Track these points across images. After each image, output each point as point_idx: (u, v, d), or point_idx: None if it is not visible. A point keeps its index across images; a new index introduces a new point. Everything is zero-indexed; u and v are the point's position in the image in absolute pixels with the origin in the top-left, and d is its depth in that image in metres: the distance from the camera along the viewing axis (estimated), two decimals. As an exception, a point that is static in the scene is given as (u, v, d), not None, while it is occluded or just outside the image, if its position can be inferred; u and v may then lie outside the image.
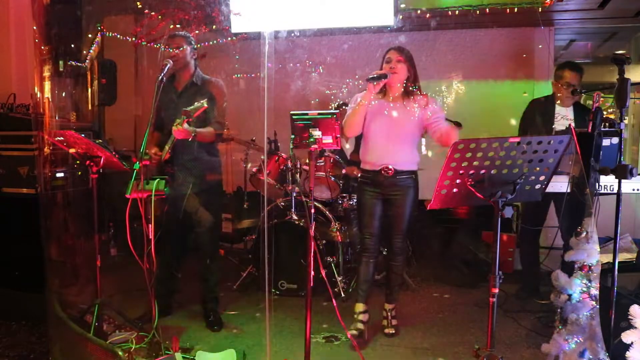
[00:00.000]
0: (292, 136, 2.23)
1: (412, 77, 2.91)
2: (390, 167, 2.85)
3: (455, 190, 1.90)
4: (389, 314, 3.05)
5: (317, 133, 2.19)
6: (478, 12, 3.74)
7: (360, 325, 3.00)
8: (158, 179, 2.73)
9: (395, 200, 2.91)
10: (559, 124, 3.43)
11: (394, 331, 3.00)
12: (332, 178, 3.71)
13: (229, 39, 4.39)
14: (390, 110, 2.89)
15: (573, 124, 3.37)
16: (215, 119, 3.04)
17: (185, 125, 2.68)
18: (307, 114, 2.20)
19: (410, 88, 2.91)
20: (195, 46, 3.15)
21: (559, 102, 3.47)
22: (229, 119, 3.22)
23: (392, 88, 2.92)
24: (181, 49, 3.01)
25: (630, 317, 2.03)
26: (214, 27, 4.25)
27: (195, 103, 2.72)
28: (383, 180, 2.88)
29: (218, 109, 3.05)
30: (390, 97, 2.92)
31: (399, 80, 2.87)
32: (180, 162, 3.04)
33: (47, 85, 3.71)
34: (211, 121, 3.03)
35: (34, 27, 3.60)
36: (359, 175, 3.05)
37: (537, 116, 3.50)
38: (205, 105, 2.70)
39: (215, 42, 4.57)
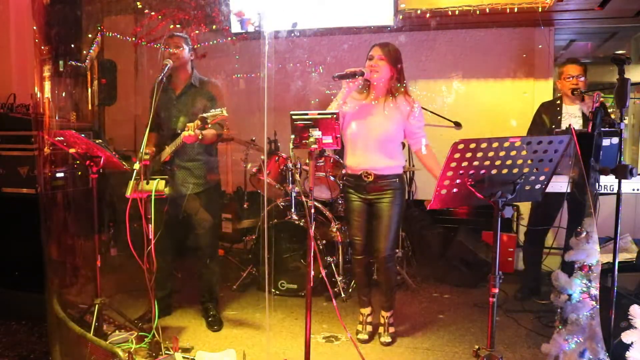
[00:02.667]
0: (292, 136, 2.23)
1: (395, 76, 2.77)
2: (370, 172, 2.77)
3: (455, 190, 1.90)
4: (386, 321, 2.98)
5: (317, 133, 2.19)
6: (478, 12, 3.73)
7: (369, 328, 3.02)
8: (158, 179, 2.74)
9: (379, 206, 2.82)
10: (567, 123, 3.41)
11: (390, 340, 2.93)
12: (332, 178, 3.72)
13: (229, 39, 4.39)
14: (372, 112, 2.78)
15: (580, 121, 3.37)
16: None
17: (197, 131, 2.69)
18: (307, 114, 2.20)
19: (394, 88, 2.79)
20: (193, 47, 3.13)
21: (566, 101, 3.46)
22: (229, 119, 3.22)
23: (374, 88, 2.80)
24: (180, 49, 3.00)
25: (630, 317, 2.04)
26: (214, 27, 4.24)
27: (212, 110, 2.69)
28: (365, 186, 2.81)
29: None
30: (372, 98, 2.81)
31: (381, 79, 2.75)
32: (180, 163, 3.05)
33: (47, 85, 3.71)
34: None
35: (34, 27, 3.60)
36: (343, 178, 2.98)
37: (546, 117, 3.49)
38: (226, 114, 2.67)
39: (215, 42, 4.57)
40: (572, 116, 3.43)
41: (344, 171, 3.69)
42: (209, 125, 2.70)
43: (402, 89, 2.82)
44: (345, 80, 2.66)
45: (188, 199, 3.06)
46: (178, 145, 2.89)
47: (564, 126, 3.39)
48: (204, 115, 2.67)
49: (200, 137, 2.74)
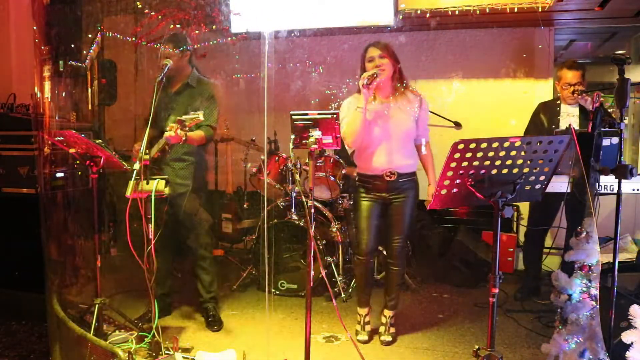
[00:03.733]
0: (292, 136, 2.23)
1: (397, 72, 2.79)
2: (394, 172, 2.77)
3: (455, 190, 1.90)
4: (388, 320, 2.99)
5: (317, 133, 2.19)
6: (478, 12, 3.73)
7: (368, 328, 3.03)
8: (158, 179, 2.74)
9: (396, 204, 2.84)
10: (565, 122, 3.42)
11: (390, 339, 2.94)
12: (332, 178, 3.71)
13: (229, 39, 4.39)
14: (387, 112, 2.78)
15: (578, 122, 3.37)
16: (206, 122, 3.02)
17: (179, 132, 2.69)
18: (307, 114, 2.20)
19: (399, 84, 2.80)
20: (190, 47, 3.11)
21: (564, 101, 3.46)
22: (229, 119, 3.22)
23: (379, 88, 2.79)
24: (173, 57, 2.97)
25: (630, 317, 2.04)
26: (214, 27, 4.24)
27: (191, 114, 2.71)
28: (386, 186, 2.80)
29: (210, 112, 3.04)
30: (380, 98, 2.81)
31: (386, 78, 2.75)
32: (166, 161, 3.04)
33: (47, 85, 3.70)
34: (202, 124, 3.02)
35: (34, 27, 3.60)
36: (356, 179, 2.96)
37: (544, 117, 3.50)
38: (201, 118, 2.69)
39: (215, 42, 4.57)
40: (570, 116, 3.43)
41: (344, 172, 3.68)
42: (187, 128, 2.71)
43: (405, 84, 2.84)
44: (364, 85, 2.61)
45: (175, 198, 3.05)
46: (162, 144, 2.89)
47: (562, 126, 3.39)
48: (182, 118, 2.70)
49: (184, 138, 2.74)
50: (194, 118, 2.69)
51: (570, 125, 3.32)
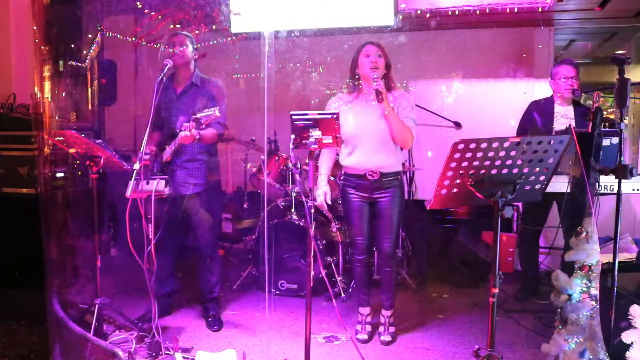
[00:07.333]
0: (292, 136, 2.23)
1: (388, 71, 2.82)
2: (375, 171, 2.78)
3: (455, 190, 1.90)
4: (386, 320, 2.99)
5: (317, 133, 2.19)
6: (478, 12, 3.73)
7: (369, 328, 3.03)
8: (158, 179, 2.73)
9: (381, 204, 2.84)
10: (559, 123, 3.42)
11: (390, 339, 2.94)
12: (332, 178, 3.71)
13: (229, 39, 4.39)
14: (370, 109, 2.78)
15: (573, 123, 3.37)
16: (217, 119, 3.02)
17: (193, 131, 2.68)
18: (307, 114, 2.20)
19: (387, 84, 2.80)
20: (196, 46, 3.13)
21: (558, 101, 3.47)
22: (229, 119, 3.22)
23: (365, 87, 2.81)
24: (184, 47, 3.00)
25: (630, 317, 2.04)
26: (214, 27, 4.25)
27: (205, 110, 2.66)
28: (368, 185, 2.81)
29: (219, 109, 3.04)
30: (367, 96, 2.81)
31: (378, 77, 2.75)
32: (180, 163, 3.04)
33: (47, 85, 3.70)
34: (212, 122, 3.02)
35: (34, 27, 3.60)
36: (342, 179, 2.97)
37: (537, 116, 3.49)
38: (218, 114, 2.63)
39: (215, 42, 4.57)
40: (564, 117, 3.43)
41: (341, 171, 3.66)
42: (204, 126, 2.69)
43: (393, 85, 2.85)
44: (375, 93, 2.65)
45: (188, 199, 3.06)
46: (177, 145, 2.88)
47: (556, 127, 3.40)
48: (197, 116, 2.66)
49: (197, 137, 2.73)
50: (209, 114, 2.63)
51: (570, 125, 3.32)
